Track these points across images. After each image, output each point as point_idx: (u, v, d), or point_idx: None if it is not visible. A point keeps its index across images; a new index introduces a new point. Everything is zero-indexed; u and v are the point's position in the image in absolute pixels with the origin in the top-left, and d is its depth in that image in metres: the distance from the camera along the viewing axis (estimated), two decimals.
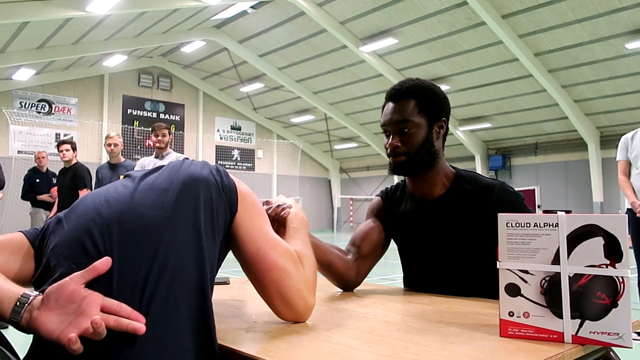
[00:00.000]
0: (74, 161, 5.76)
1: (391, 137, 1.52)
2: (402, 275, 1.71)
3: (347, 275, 1.53)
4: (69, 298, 0.78)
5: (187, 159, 1.11)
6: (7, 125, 15.72)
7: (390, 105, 1.53)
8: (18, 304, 0.79)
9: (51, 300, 0.78)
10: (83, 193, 5.53)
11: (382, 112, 1.57)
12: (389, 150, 1.53)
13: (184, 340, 0.84)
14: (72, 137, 17.24)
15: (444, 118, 1.53)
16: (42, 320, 0.77)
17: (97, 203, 0.95)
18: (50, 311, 0.77)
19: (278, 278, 1.00)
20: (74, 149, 5.76)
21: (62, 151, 5.66)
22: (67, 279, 0.80)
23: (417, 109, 1.49)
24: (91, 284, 0.81)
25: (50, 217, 5.77)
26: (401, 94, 1.51)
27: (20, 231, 0.99)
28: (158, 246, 0.87)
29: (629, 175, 4.00)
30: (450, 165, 1.60)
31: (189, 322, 0.85)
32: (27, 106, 16.43)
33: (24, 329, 0.79)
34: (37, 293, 0.81)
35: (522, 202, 1.47)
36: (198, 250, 0.90)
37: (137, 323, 0.79)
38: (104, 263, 0.82)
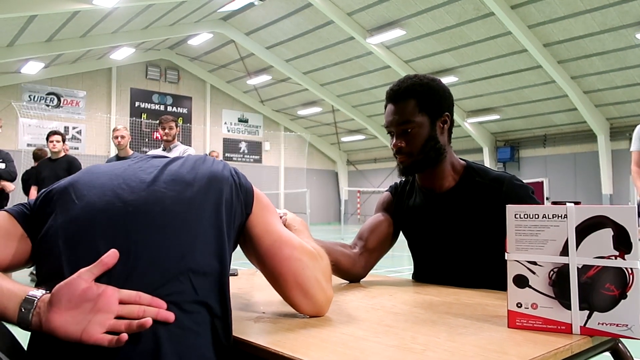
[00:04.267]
0: (63, 153, 5.75)
1: (395, 138, 1.53)
2: (409, 267, 1.72)
3: (352, 270, 1.55)
4: (83, 297, 0.76)
5: (207, 154, 1.11)
6: (16, 118, 15.82)
7: (390, 106, 1.53)
8: (23, 309, 0.77)
9: (62, 301, 0.76)
10: None
11: (385, 112, 1.57)
12: (394, 150, 1.54)
13: (203, 331, 0.84)
14: (80, 130, 17.36)
15: (446, 113, 1.53)
16: (57, 323, 0.75)
17: (115, 185, 0.92)
18: (64, 312, 0.76)
19: (295, 268, 1.00)
20: (64, 140, 5.76)
21: (52, 142, 5.60)
22: (75, 276, 0.78)
23: (417, 109, 1.49)
24: (108, 271, 0.80)
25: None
26: (400, 94, 1.51)
27: (5, 210, 0.94)
28: (182, 240, 0.87)
29: None
30: (460, 158, 1.60)
31: (210, 316, 0.86)
32: (35, 99, 16.53)
33: (35, 330, 0.77)
34: (44, 292, 0.78)
35: (531, 196, 1.47)
36: (219, 247, 0.91)
37: (165, 311, 0.79)
38: (111, 256, 0.80)
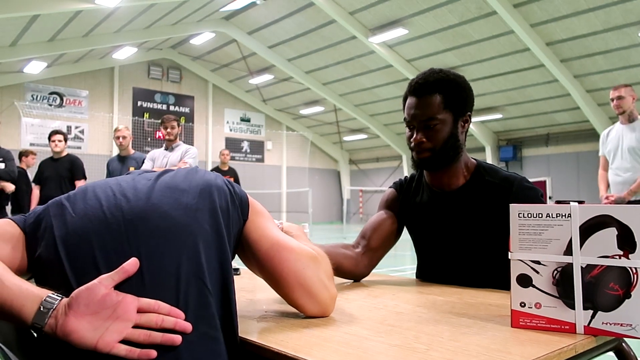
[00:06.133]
0: (65, 152, 5.75)
1: (415, 132, 1.48)
2: (411, 266, 1.71)
3: (355, 271, 1.55)
4: (101, 303, 0.75)
5: (197, 166, 1.11)
6: (18, 117, 15.86)
7: (414, 100, 1.47)
8: (42, 308, 0.74)
9: (81, 305, 0.74)
10: (80, 184, 5.51)
11: (405, 105, 1.52)
12: (412, 144, 1.49)
13: (218, 337, 0.84)
14: (83, 130, 17.40)
15: (469, 112, 1.52)
16: (72, 327, 0.73)
17: (111, 196, 0.92)
18: (81, 317, 0.74)
19: (297, 268, 1.00)
20: (66, 140, 5.78)
21: (54, 141, 5.61)
22: (95, 282, 0.76)
23: (442, 105, 1.45)
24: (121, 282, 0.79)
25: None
26: (426, 88, 1.45)
27: (10, 218, 0.93)
28: (186, 245, 0.87)
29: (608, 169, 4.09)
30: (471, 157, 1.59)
31: (219, 319, 0.86)
32: (38, 99, 16.56)
33: (46, 335, 0.75)
34: (63, 296, 0.77)
35: (540, 198, 1.46)
36: (221, 251, 0.91)
37: (184, 322, 0.79)
38: (132, 265, 0.80)
